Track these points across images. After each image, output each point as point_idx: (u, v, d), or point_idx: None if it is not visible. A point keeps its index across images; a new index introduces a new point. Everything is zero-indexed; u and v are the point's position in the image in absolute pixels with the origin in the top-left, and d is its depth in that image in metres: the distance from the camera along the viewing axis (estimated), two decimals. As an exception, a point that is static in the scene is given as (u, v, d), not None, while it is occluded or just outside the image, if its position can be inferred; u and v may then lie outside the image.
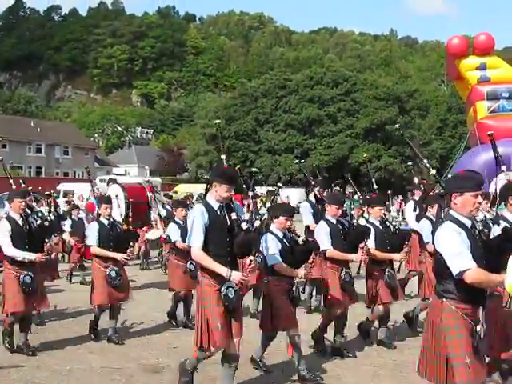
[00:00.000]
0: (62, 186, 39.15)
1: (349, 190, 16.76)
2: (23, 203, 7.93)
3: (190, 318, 9.39)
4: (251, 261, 5.80)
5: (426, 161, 6.58)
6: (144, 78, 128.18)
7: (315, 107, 63.57)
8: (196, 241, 5.76)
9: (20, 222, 7.85)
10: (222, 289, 5.65)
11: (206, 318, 5.72)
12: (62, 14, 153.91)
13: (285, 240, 7.08)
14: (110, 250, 8.52)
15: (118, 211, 11.18)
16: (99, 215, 8.99)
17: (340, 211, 8.04)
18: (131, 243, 9.21)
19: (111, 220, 8.82)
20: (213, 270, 5.72)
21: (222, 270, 5.67)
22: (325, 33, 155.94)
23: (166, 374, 7.25)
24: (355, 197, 14.35)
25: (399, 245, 8.38)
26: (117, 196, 12.22)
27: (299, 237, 7.83)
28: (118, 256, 8.48)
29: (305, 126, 63.70)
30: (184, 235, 8.65)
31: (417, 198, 12.61)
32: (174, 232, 9.83)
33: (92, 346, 8.46)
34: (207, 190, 6.08)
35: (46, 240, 8.22)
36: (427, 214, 9.24)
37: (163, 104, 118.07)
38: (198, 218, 5.78)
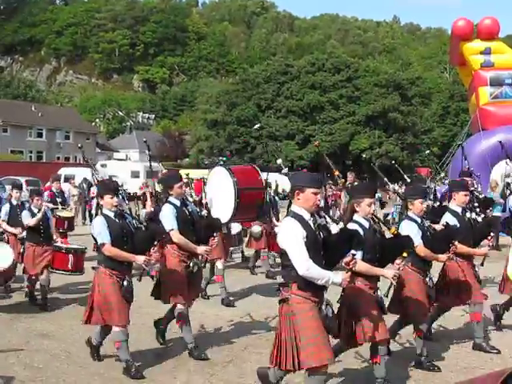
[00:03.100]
0: (64, 171, 39.14)
1: (349, 177, 16.33)
2: (319, 196, 5.32)
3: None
4: None
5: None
6: (145, 63, 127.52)
7: (317, 93, 63.39)
8: None
9: (312, 223, 5.25)
10: None
11: None
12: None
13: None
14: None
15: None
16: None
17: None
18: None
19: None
20: None
21: None
22: (327, 19, 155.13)
23: (165, 358, 7.25)
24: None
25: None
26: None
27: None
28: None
29: (306, 112, 63.52)
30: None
31: None
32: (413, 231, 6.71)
33: (91, 331, 8.43)
34: None
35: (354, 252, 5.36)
36: None
37: (165, 89, 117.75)
38: None
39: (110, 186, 7.00)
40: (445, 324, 8.63)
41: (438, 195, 24.20)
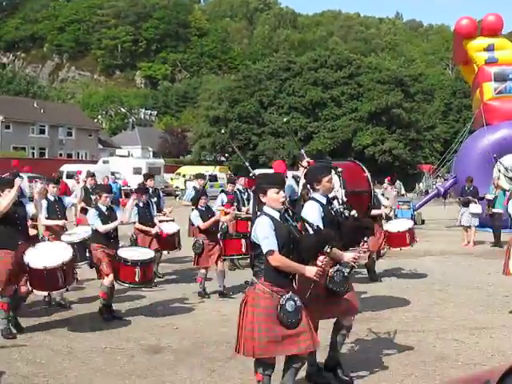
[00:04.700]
0: (66, 168, 39.22)
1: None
2: None
3: None
4: None
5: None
6: (148, 59, 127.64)
7: (319, 90, 63.33)
8: None
9: None
10: None
11: None
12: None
13: None
14: None
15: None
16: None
17: None
18: None
19: None
20: None
21: None
22: (329, 15, 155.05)
23: (166, 354, 7.23)
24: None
25: None
26: None
27: None
28: None
29: (308, 108, 63.48)
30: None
31: None
32: None
33: (93, 326, 8.44)
34: None
35: None
36: None
37: (167, 86, 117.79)
38: None
39: (275, 179, 5.48)
40: (451, 320, 8.63)
41: (441, 190, 24.24)
